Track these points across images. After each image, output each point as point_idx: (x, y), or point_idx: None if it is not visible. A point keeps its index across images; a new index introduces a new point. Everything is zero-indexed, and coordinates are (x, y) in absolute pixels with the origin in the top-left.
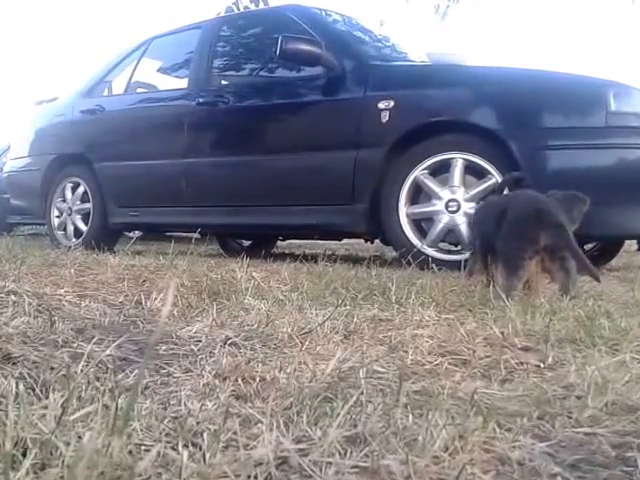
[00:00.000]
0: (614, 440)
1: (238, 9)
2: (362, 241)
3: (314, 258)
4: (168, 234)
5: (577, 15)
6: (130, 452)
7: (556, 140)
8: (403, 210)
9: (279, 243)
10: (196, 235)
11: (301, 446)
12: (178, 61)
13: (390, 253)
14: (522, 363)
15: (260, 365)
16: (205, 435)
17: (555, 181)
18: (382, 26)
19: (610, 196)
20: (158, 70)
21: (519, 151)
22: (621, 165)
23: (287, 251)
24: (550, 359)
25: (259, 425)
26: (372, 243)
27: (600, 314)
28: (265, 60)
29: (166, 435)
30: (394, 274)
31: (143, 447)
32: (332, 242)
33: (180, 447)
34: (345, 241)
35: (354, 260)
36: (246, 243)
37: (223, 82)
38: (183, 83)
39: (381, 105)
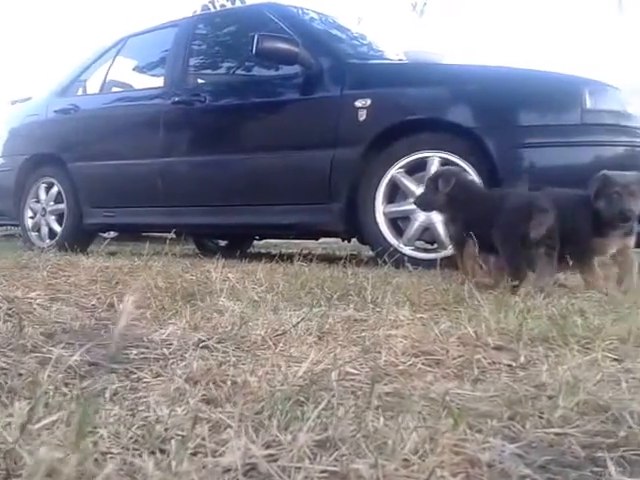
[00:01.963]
0: (584, 440)
1: (214, 7)
2: (340, 240)
3: (290, 258)
4: (144, 234)
5: (553, 12)
6: (96, 460)
7: (532, 138)
8: (380, 209)
9: (256, 242)
10: (171, 235)
11: (270, 451)
12: (154, 60)
13: (367, 252)
14: (494, 363)
15: (232, 368)
16: (173, 442)
17: (531, 179)
18: (360, 24)
19: None
20: (134, 69)
21: (495, 149)
22: (596, 162)
23: (264, 250)
24: (522, 358)
25: (229, 430)
26: (349, 242)
27: (574, 312)
28: (242, 59)
29: (134, 442)
30: (370, 273)
31: (109, 455)
32: (309, 241)
33: (146, 455)
34: (322, 240)
35: (331, 259)
36: (223, 243)
37: (199, 81)
38: (159, 82)
39: (358, 104)
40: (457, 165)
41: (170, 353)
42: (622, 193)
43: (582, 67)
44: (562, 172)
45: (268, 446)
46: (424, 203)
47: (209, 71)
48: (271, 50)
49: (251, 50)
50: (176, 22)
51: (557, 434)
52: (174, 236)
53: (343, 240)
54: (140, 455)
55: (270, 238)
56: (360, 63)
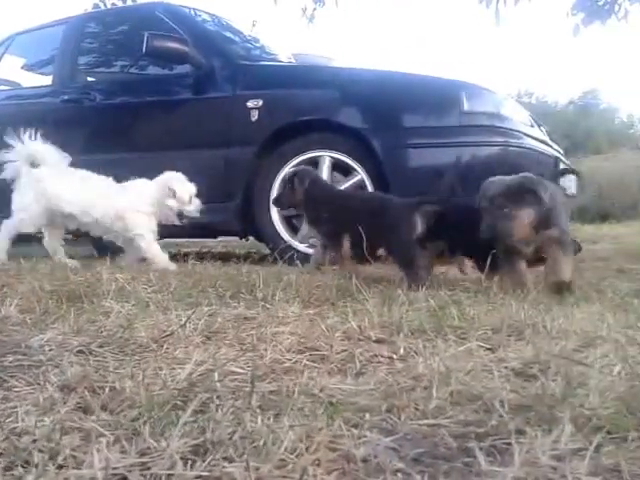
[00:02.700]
0: (456, 430)
1: (105, 6)
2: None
3: (186, 257)
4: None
5: (439, 19)
6: None
7: (415, 139)
8: (275, 207)
9: None
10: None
11: (143, 459)
12: (43, 58)
13: (265, 250)
14: (376, 355)
15: (111, 374)
16: (38, 454)
17: (415, 178)
18: (254, 27)
19: (464, 191)
20: (22, 67)
21: (381, 149)
22: (473, 162)
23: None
24: (402, 350)
25: (101, 439)
26: (247, 240)
27: (451, 303)
28: (132, 57)
29: None
30: (263, 271)
31: None
32: (209, 240)
33: None
34: (222, 238)
35: (227, 258)
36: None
37: (89, 79)
38: (48, 80)
39: (250, 104)
40: (347, 164)
41: (48, 360)
42: (490, 209)
43: (464, 71)
44: (442, 171)
45: (142, 454)
46: (280, 201)
47: (99, 69)
48: (161, 49)
49: (141, 49)
50: (65, 20)
51: (430, 425)
52: (69, 237)
53: (241, 238)
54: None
55: (168, 237)
56: (252, 64)
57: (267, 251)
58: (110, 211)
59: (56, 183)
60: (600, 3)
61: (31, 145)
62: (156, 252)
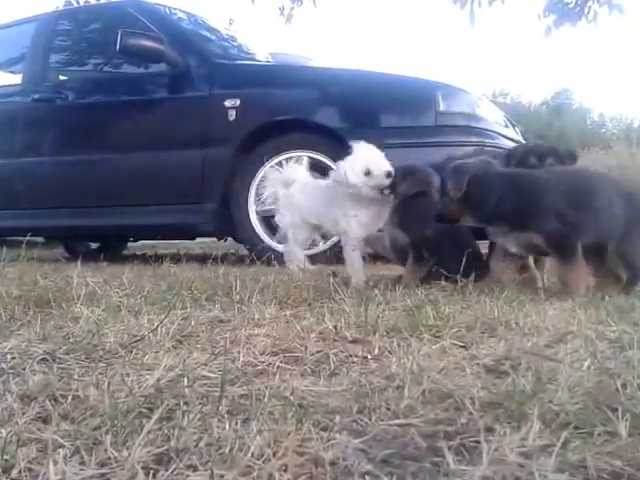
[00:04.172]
0: (427, 430)
1: (77, 3)
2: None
3: (162, 259)
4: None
5: (415, 20)
6: None
7: (392, 138)
8: (253, 208)
9: (132, 244)
10: (27, 239)
11: (103, 470)
12: (12, 56)
13: (244, 250)
14: (350, 356)
15: (75, 382)
16: None
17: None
18: (231, 25)
19: None
20: None
21: None
22: (449, 161)
23: (139, 252)
24: (376, 350)
25: (59, 451)
26: (225, 241)
27: (427, 302)
28: (106, 56)
29: None
30: (241, 272)
31: None
32: (187, 241)
33: None
34: (200, 240)
35: (204, 259)
36: (94, 245)
37: (61, 78)
38: (17, 79)
39: (227, 103)
40: (325, 164)
41: (9, 368)
42: None
43: (440, 72)
44: None
45: (102, 464)
46: None
47: (72, 68)
48: (135, 47)
49: (115, 47)
50: (35, 17)
51: (401, 425)
52: (42, 240)
53: (219, 239)
54: None
55: (144, 239)
56: (229, 63)
57: (245, 252)
58: (330, 217)
59: (300, 197)
60: (570, 6)
61: (286, 171)
62: (352, 261)
